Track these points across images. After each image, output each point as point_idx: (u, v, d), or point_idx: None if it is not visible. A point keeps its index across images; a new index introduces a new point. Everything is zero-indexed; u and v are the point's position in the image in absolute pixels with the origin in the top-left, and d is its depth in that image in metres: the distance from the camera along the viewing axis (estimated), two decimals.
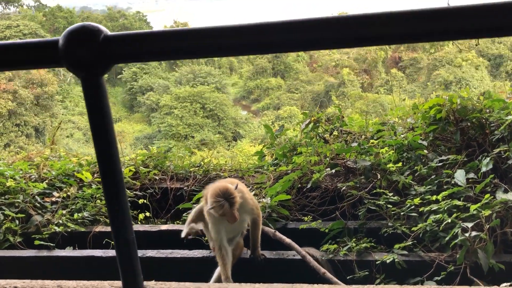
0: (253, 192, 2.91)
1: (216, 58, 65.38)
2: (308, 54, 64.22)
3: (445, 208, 2.29)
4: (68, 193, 2.89)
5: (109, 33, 0.76)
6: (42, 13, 60.12)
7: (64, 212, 2.80)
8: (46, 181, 2.93)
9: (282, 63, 60.39)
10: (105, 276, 2.54)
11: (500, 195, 2.21)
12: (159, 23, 73.32)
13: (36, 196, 2.87)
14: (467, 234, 2.08)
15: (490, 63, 44.85)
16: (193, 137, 38.32)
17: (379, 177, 2.62)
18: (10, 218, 2.73)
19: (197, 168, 3.54)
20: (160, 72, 54.19)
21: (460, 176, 2.38)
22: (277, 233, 2.43)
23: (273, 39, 0.76)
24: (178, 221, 3.19)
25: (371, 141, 2.99)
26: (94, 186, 2.85)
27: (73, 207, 2.88)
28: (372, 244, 2.40)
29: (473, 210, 2.17)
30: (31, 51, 0.78)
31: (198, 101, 39.78)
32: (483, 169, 2.42)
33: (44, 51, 0.74)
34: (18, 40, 0.91)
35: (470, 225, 2.12)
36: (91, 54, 0.72)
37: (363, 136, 3.14)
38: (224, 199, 2.27)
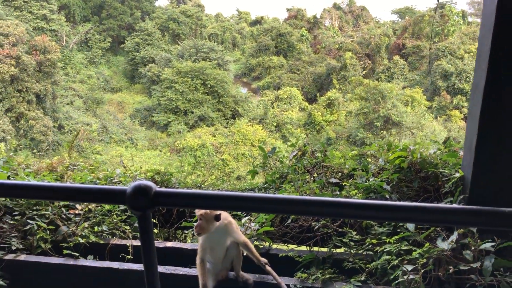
0: (245, 215, 3.46)
1: (219, 33, 65.09)
2: (312, 35, 64.04)
3: (394, 251, 2.86)
4: (89, 207, 3.43)
5: (157, 189, 1.29)
6: None
7: (86, 224, 3.35)
8: None
9: (285, 42, 60.19)
10: (120, 286, 3.11)
11: (439, 243, 2.76)
12: None
13: (62, 208, 3.41)
14: (405, 277, 2.65)
15: None
16: (192, 112, 38.69)
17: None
18: (42, 228, 3.28)
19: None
20: (162, 44, 54.07)
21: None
22: (268, 267, 2.94)
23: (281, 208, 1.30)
24: (180, 236, 3.76)
25: (344, 182, 3.55)
26: None
27: (94, 220, 3.43)
28: (335, 274, 2.96)
29: (416, 254, 2.75)
30: (107, 195, 1.29)
31: (199, 77, 39.96)
32: None
33: (116, 195, 1.26)
34: (95, 186, 1.44)
35: (410, 268, 2.69)
36: (146, 202, 1.23)
37: (339, 174, 3.70)
38: (200, 215, 2.81)
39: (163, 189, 1.16)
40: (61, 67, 42.32)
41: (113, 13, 57.98)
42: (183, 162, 29.22)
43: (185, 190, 1.26)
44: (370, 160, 3.83)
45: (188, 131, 36.06)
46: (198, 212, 2.82)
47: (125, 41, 53.79)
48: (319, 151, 3.94)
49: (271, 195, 1.08)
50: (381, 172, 3.60)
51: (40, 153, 31.95)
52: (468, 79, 37.62)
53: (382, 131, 29.47)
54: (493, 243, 2.54)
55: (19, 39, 36.25)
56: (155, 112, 40.20)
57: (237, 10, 78.70)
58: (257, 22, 73.32)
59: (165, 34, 57.72)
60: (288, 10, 70.20)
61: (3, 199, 3.29)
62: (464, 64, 38.33)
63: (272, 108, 37.83)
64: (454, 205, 2.67)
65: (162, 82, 41.18)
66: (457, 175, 3.01)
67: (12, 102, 34.39)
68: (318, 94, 42.73)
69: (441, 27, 50.24)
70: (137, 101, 46.52)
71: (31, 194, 1.36)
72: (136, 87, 51.04)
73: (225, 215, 2.91)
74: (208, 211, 2.78)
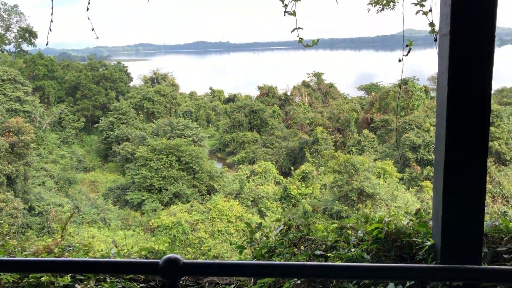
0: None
1: (194, 110, 66.68)
2: (283, 111, 66.33)
3: None
4: (88, 286, 3.52)
5: (185, 260, 1.52)
6: (23, 60, 60.70)
7: None
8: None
9: (258, 118, 62.04)
10: None
11: None
12: (140, 73, 74.78)
13: None
14: None
15: None
16: (167, 189, 38.54)
17: (333, 283, 3.41)
18: None
19: None
20: (137, 122, 54.85)
21: None
22: None
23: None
24: None
25: (329, 254, 3.81)
26: (108, 280, 3.49)
27: None
28: None
29: None
30: (142, 267, 1.52)
31: (174, 153, 40.30)
32: (407, 283, 3.24)
33: (150, 267, 1.48)
34: (131, 259, 1.67)
35: None
36: (176, 272, 1.46)
37: (323, 246, 3.96)
38: None
39: (190, 260, 1.42)
40: (34, 147, 42.06)
41: (88, 94, 59.08)
42: (157, 242, 28.62)
43: (210, 261, 1.48)
44: (350, 232, 4.11)
45: (163, 209, 35.69)
46: None
47: (99, 120, 54.40)
48: (302, 225, 4.21)
49: (291, 262, 1.35)
50: (361, 243, 3.88)
51: (8, 236, 30.78)
52: (434, 149, 39.17)
53: (357, 204, 29.96)
54: None
55: None
56: (128, 190, 39.85)
57: (211, 89, 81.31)
58: (230, 99, 75.76)
59: (140, 113, 58.78)
60: (259, 88, 73.10)
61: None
62: (431, 136, 40.11)
63: (248, 182, 38.13)
64: (424, 265, 2.96)
65: (136, 160, 41.27)
66: (428, 243, 3.31)
67: None
68: (292, 168, 43.49)
69: (406, 101, 53.05)
70: (111, 180, 46.14)
71: (74, 269, 1.57)
72: (110, 165, 50.85)
73: None
74: None
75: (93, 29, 4.71)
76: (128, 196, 38.71)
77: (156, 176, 38.51)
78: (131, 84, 70.38)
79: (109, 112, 54.91)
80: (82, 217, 35.13)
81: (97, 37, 4.81)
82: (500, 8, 2.59)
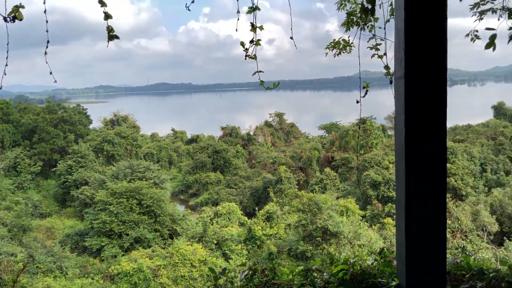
0: None
1: (155, 152, 65.86)
2: (247, 151, 66.58)
3: None
4: None
5: None
6: None
7: None
8: None
9: (222, 158, 61.92)
10: None
11: None
12: (100, 115, 73.67)
13: None
14: None
15: None
16: (127, 234, 37.27)
17: None
18: None
19: None
20: (96, 166, 53.52)
21: None
22: None
23: None
24: None
25: None
26: None
27: None
28: None
29: None
30: None
31: (135, 197, 39.28)
32: None
33: None
34: None
35: None
36: None
37: None
38: None
39: None
40: None
41: (46, 137, 57.44)
42: None
43: None
44: (315, 274, 4.05)
45: (123, 255, 34.35)
46: None
47: (57, 164, 52.74)
48: (268, 269, 4.12)
49: None
50: (327, 285, 3.82)
51: None
52: (395, 188, 40.08)
53: (322, 243, 29.89)
54: None
55: None
56: (87, 236, 38.27)
57: (173, 130, 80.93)
58: (193, 140, 75.53)
59: (100, 155, 57.50)
60: (222, 128, 73.42)
61: None
62: (390, 174, 41.04)
63: (212, 224, 37.49)
64: None
65: (95, 204, 39.93)
66: (394, 283, 3.30)
67: None
68: (256, 208, 43.28)
69: (365, 140, 54.50)
70: (68, 226, 44.33)
71: None
72: (68, 211, 48.97)
73: None
74: None
75: (51, 72, 4.61)
76: (87, 243, 37.14)
77: (116, 220, 37.27)
78: (91, 126, 69.15)
79: (68, 156, 53.42)
80: (37, 267, 33.25)
81: (55, 81, 4.71)
82: (448, 48, 2.71)
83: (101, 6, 3.24)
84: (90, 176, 48.33)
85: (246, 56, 4.18)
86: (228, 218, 40.81)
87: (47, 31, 3.48)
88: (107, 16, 3.26)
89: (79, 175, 48.88)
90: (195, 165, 59.76)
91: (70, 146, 56.45)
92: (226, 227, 37.82)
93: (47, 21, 3.42)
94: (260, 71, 4.24)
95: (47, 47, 3.71)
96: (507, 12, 5.02)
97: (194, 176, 58.50)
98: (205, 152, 62.27)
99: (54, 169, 53.04)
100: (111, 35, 3.33)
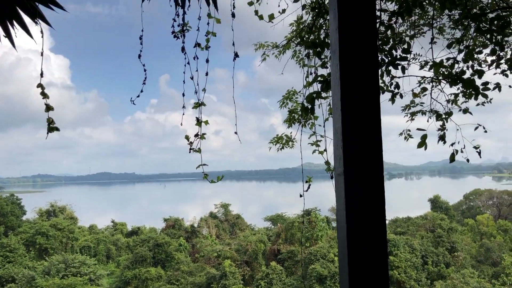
0: None
1: (92, 245, 62.24)
2: (190, 244, 64.45)
3: None
4: None
5: None
6: None
7: None
8: None
9: (163, 252, 59.31)
10: None
11: None
12: (35, 205, 69.70)
13: None
14: None
15: None
16: None
17: None
18: None
19: None
20: (26, 260, 49.50)
21: None
22: None
23: None
24: None
25: None
26: None
27: None
28: None
29: None
30: None
31: None
32: None
33: None
34: None
35: None
36: None
37: None
38: None
39: None
40: None
41: None
42: None
43: None
44: None
45: None
46: None
47: None
48: None
49: None
50: None
51: None
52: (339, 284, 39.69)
53: None
54: None
55: None
56: None
57: (113, 221, 77.52)
58: (134, 232, 72.39)
59: (31, 249, 53.46)
60: (165, 220, 71.23)
61: None
62: (336, 267, 40.82)
63: None
64: None
65: None
66: None
67: None
68: None
69: (310, 232, 54.61)
70: None
71: None
72: None
73: None
74: None
75: None
76: None
77: None
78: (24, 217, 64.97)
79: None
80: None
81: None
82: (385, 144, 2.86)
83: (43, 98, 3.19)
84: (18, 272, 44.40)
85: (190, 149, 4.19)
86: None
87: None
88: (48, 108, 3.21)
89: (5, 271, 44.82)
90: (134, 260, 56.68)
91: None
92: None
93: None
94: (204, 164, 4.24)
95: None
96: (434, 115, 5.47)
97: (133, 271, 55.19)
98: (146, 245, 59.62)
99: None
100: (51, 127, 3.25)
